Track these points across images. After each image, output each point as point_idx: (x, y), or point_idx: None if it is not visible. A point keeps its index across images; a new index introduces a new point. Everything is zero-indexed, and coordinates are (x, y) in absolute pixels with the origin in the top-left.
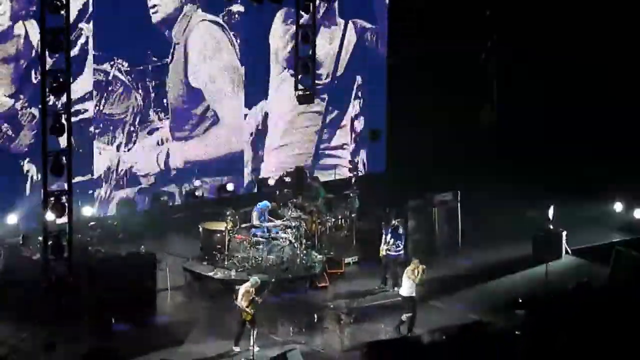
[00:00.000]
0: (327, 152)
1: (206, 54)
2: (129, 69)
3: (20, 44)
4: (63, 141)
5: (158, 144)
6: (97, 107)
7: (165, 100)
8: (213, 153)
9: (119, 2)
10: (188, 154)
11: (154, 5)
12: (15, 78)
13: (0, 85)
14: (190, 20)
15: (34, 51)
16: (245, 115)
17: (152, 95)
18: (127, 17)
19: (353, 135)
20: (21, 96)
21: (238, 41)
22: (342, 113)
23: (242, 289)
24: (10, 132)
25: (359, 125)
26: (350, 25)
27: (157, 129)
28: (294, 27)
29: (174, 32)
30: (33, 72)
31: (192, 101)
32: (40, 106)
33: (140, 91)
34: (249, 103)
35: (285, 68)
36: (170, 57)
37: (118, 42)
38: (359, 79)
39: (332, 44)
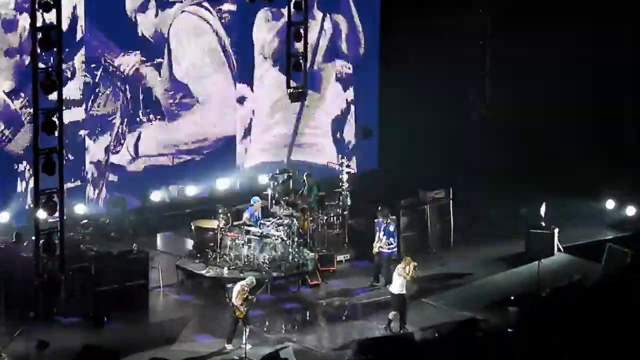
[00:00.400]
0: (306, 131)
1: (187, 41)
2: (116, 69)
3: (24, 37)
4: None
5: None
6: (86, 110)
7: (153, 100)
8: (199, 134)
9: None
10: (170, 136)
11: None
12: (16, 73)
13: (0, 79)
14: (172, 14)
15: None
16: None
17: (142, 96)
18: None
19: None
20: (22, 94)
21: (226, 35)
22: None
23: (237, 286)
24: (7, 133)
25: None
26: (328, 18)
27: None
28: (279, 23)
29: (161, 29)
30: None
31: (178, 93)
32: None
33: (128, 93)
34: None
35: (271, 63)
36: (161, 55)
37: (105, 43)
38: (340, 67)
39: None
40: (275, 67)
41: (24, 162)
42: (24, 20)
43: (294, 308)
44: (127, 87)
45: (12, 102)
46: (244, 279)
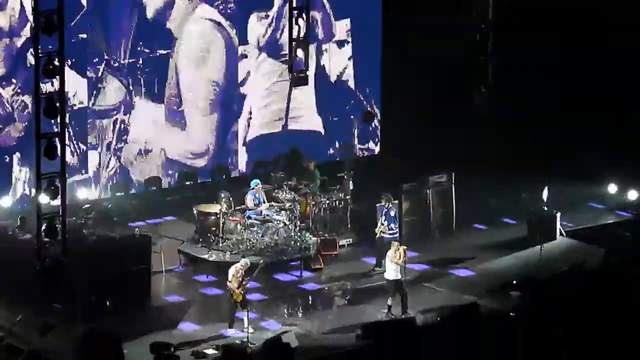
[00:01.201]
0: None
1: (195, 59)
2: (121, 63)
3: (15, 19)
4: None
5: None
6: (87, 104)
7: (158, 94)
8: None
9: None
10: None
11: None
12: (7, 57)
13: None
14: (187, 14)
15: (28, 30)
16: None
17: (143, 90)
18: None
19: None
20: (13, 80)
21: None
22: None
23: (232, 269)
24: None
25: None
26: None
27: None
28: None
29: (171, 25)
30: (29, 54)
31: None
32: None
33: (131, 87)
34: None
35: (266, 54)
36: (168, 50)
37: (108, 35)
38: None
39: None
40: (270, 57)
41: (17, 154)
42: (15, 2)
43: (296, 292)
44: (129, 81)
45: (3, 89)
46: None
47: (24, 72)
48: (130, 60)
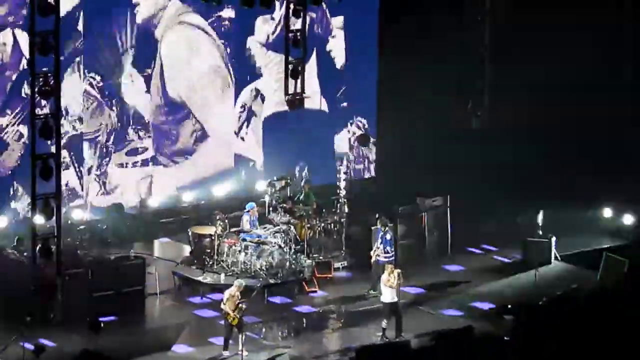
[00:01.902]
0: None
1: (184, 59)
2: (101, 83)
3: (8, 54)
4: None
5: (139, 165)
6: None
7: (145, 117)
8: (201, 173)
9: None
10: (175, 179)
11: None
12: (1, 90)
13: None
14: (167, 21)
15: (24, 62)
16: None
17: (131, 111)
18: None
19: None
20: (8, 111)
21: (226, 45)
22: None
23: (226, 293)
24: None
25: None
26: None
27: (137, 149)
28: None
29: (156, 36)
30: (25, 85)
31: (173, 115)
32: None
33: (114, 107)
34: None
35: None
36: (151, 67)
37: (89, 53)
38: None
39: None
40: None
41: (15, 184)
42: (6, 37)
43: (291, 315)
44: (112, 101)
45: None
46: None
47: (18, 102)
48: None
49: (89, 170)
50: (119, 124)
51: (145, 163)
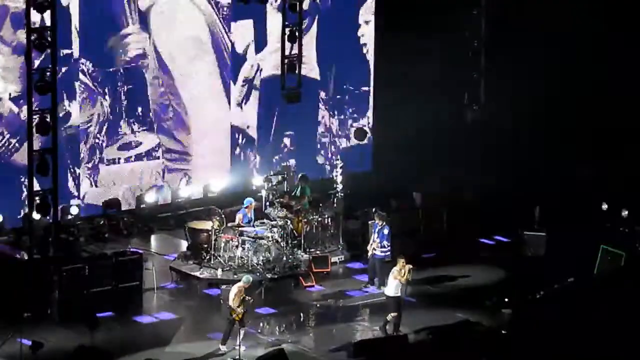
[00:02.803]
0: None
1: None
2: (94, 70)
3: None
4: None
5: (133, 160)
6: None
7: (139, 109)
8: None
9: None
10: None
11: None
12: (23, 74)
13: (7, 82)
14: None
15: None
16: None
17: (124, 102)
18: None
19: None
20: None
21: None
22: None
23: (234, 288)
24: (13, 142)
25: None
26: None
27: (130, 143)
28: None
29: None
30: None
31: (166, 104)
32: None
33: (107, 97)
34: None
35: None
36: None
37: (82, 39)
38: None
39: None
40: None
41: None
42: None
43: (287, 310)
44: (105, 90)
45: (20, 109)
46: (238, 280)
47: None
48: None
49: (79, 163)
50: (111, 115)
51: (138, 158)
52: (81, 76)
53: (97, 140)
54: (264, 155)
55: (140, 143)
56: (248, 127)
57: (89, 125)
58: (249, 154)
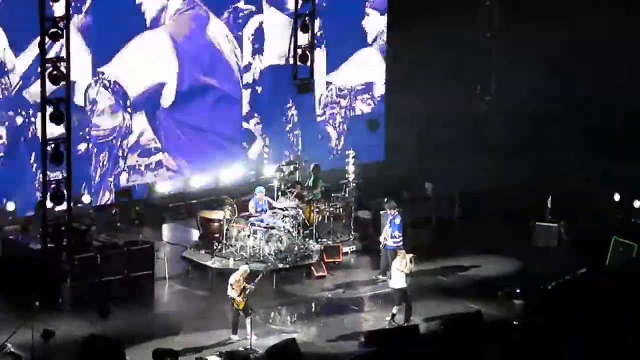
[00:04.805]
0: None
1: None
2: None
3: None
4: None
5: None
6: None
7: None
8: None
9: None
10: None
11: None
12: None
13: None
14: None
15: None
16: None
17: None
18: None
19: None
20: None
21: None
22: None
23: (231, 278)
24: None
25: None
26: None
27: (150, 150)
28: None
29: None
30: None
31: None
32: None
33: (129, 109)
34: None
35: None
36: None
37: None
38: None
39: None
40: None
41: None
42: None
43: (299, 299)
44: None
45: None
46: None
47: None
48: None
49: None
50: (130, 127)
51: (159, 165)
52: (101, 89)
53: (119, 153)
54: (274, 146)
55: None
56: (258, 118)
57: (110, 138)
58: (260, 145)
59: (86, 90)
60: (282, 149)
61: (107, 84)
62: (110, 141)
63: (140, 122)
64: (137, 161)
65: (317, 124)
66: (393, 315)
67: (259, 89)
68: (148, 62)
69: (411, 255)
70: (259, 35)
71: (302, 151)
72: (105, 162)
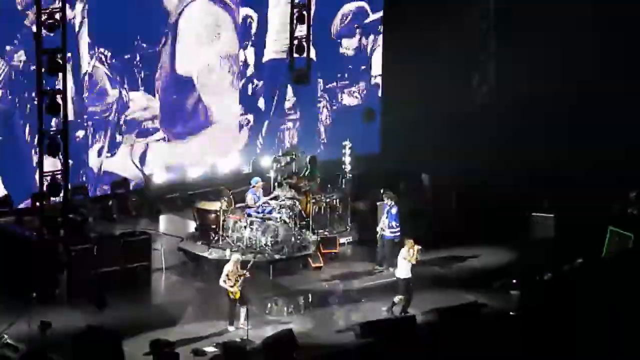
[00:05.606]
0: None
1: (202, 38)
2: (112, 59)
3: None
4: None
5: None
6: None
7: (156, 94)
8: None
9: None
10: (175, 157)
11: None
12: None
13: None
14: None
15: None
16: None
17: (141, 89)
18: None
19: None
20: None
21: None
22: None
23: (224, 269)
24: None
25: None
26: None
27: (148, 129)
28: None
29: (169, 9)
30: None
31: (181, 94)
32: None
33: (126, 85)
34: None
35: None
36: (161, 41)
37: (100, 27)
38: None
39: None
40: None
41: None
42: None
43: (296, 290)
44: (124, 79)
45: None
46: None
47: None
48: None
49: (99, 152)
50: (127, 103)
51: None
52: (98, 64)
53: (116, 129)
54: (270, 136)
55: (157, 129)
56: (255, 108)
57: (107, 114)
58: (257, 135)
59: (84, 75)
60: (278, 141)
61: (103, 59)
62: (107, 117)
63: (137, 99)
64: (134, 141)
65: (315, 116)
66: (393, 304)
67: (257, 81)
68: None
69: (419, 246)
70: (261, 26)
71: (298, 142)
72: (102, 140)
